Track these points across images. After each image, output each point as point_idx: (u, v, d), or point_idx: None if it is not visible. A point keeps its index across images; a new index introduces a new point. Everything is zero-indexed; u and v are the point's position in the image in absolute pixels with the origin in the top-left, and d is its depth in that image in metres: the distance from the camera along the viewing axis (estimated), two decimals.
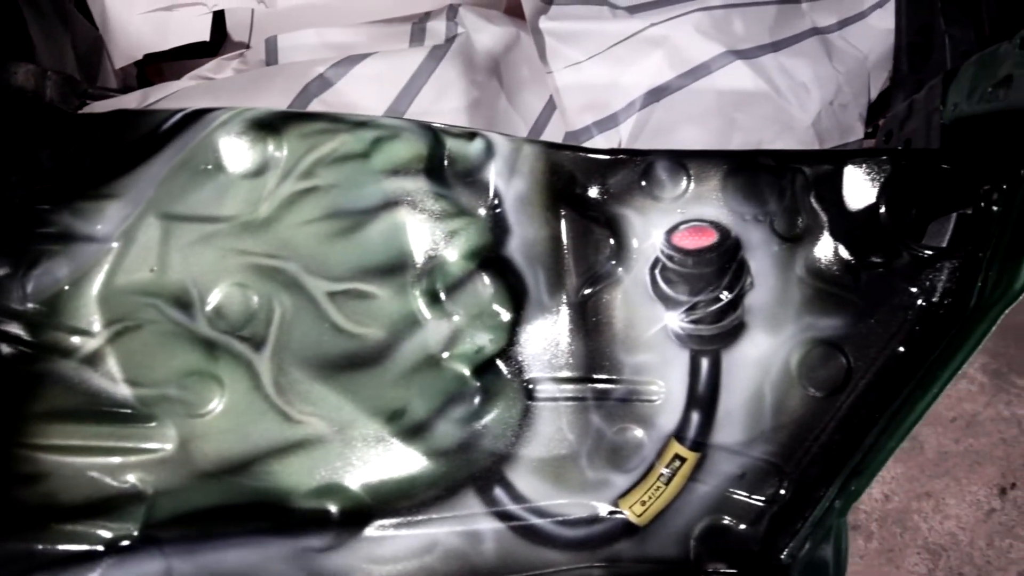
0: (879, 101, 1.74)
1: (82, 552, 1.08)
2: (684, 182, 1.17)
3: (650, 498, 1.14)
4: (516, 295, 1.16)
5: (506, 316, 1.16)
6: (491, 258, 1.15)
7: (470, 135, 1.15)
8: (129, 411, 1.11)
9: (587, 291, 1.18)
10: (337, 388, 1.13)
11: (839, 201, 1.15)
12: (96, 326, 1.10)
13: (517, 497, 1.15)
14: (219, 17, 1.74)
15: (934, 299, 1.13)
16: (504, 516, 1.14)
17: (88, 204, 1.11)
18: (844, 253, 1.15)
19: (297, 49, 1.59)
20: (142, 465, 1.11)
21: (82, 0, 1.71)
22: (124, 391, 1.10)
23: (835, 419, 1.14)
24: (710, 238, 1.15)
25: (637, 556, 1.15)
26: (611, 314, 1.18)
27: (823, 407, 1.14)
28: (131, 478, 1.10)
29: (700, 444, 1.15)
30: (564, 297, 1.17)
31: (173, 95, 1.47)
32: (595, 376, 1.17)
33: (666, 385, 1.16)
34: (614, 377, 1.17)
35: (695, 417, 1.15)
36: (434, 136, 1.14)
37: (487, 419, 1.15)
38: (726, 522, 1.16)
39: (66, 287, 1.10)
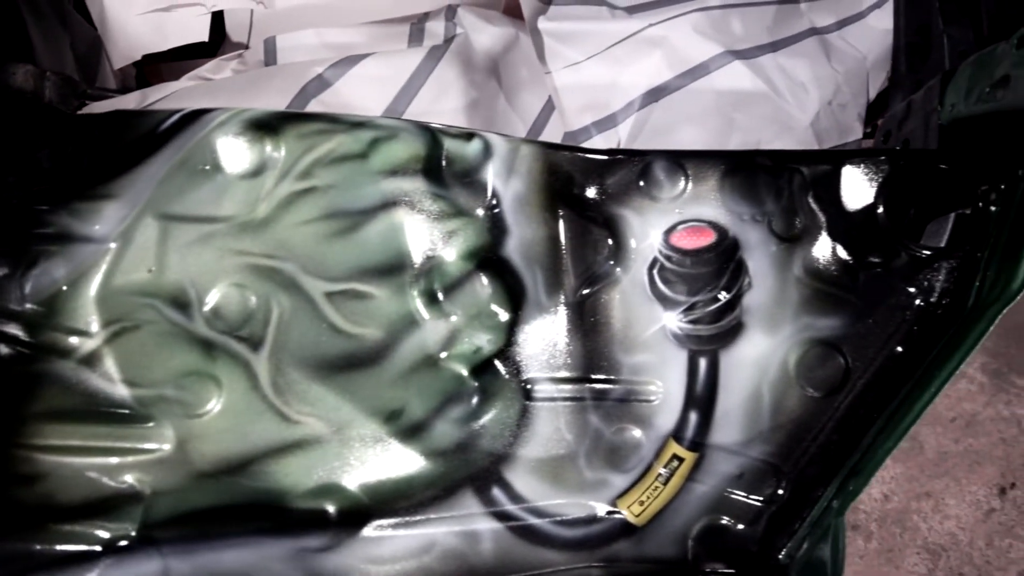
0: (878, 101, 1.74)
1: (80, 552, 1.09)
2: (682, 182, 1.17)
3: (648, 498, 1.14)
4: (514, 295, 1.16)
5: (504, 316, 1.16)
6: (489, 258, 1.15)
7: (468, 135, 1.15)
8: (127, 411, 1.11)
9: (585, 291, 1.18)
10: (335, 388, 1.13)
11: (837, 201, 1.15)
12: (94, 326, 1.10)
13: (515, 497, 1.15)
14: (218, 17, 1.74)
15: (932, 299, 1.13)
16: (502, 516, 1.15)
17: (86, 205, 1.11)
18: (842, 253, 1.15)
19: (296, 49, 1.59)
20: (140, 465, 1.11)
21: (81, 1, 1.72)
22: (122, 391, 1.11)
23: (833, 419, 1.14)
24: (708, 238, 1.15)
25: (635, 556, 1.15)
26: (609, 314, 1.18)
27: (821, 407, 1.14)
28: (129, 478, 1.10)
29: (698, 444, 1.15)
30: (562, 297, 1.17)
31: (172, 95, 1.48)
32: (593, 376, 1.17)
33: (664, 385, 1.16)
34: (612, 377, 1.17)
35: (693, 417, 1.15)
36: (432, 136, 1.14)
37: (485, 419, 1.15)
38: (724, 522, 1.16)
39: (64, 287, 1.10)
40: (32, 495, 1.09)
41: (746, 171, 1.16)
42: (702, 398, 1.15)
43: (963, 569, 2.51)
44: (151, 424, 1.11)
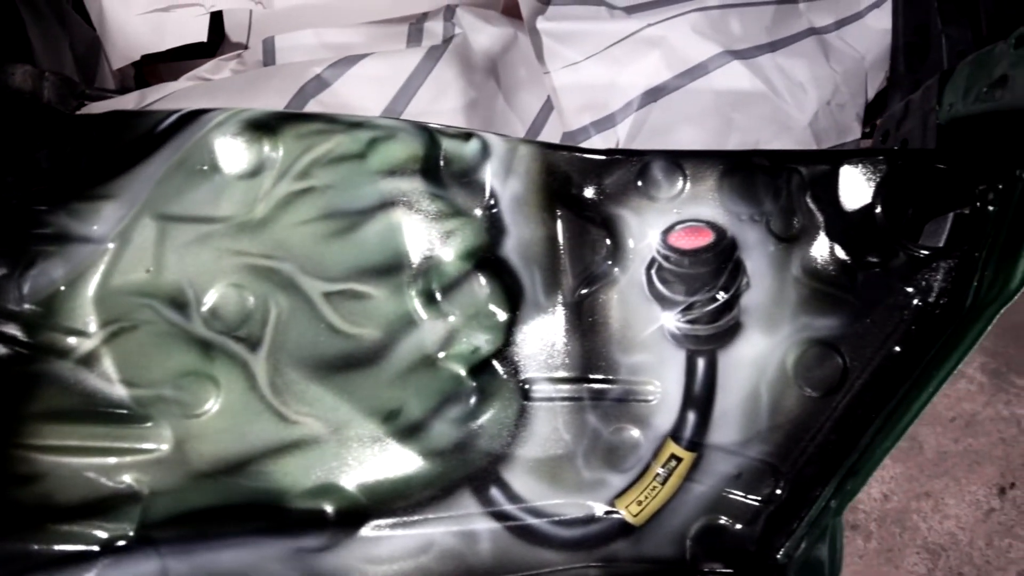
0: (876, 101, 1.74)
1: (78, 552, 1.09)
2: (680, 182, 1.17)
3: (646, 498, 1.14)
4: (512, 295, 1.16)
5: (502, 316, 1.16)
6: (487, 258, 1.15)
7: (466, 135, 1.15)
8: (125, 411, 1.11)
9: (583, 291, 1.18)
10: (333, 388, 1.13)
11: (835, 201, 1.15)
12: (92, 327, 1.10)
13: (513, 497, 1.15)
14: (217, 18, 1.74)
15: (930, 299, 1.13)
16: (500, 516, 1.15)
17: (84, 205, 1.11)
18: (840, 253, 1.15)
19: (295, 50, 1.59)
20: (138, 465, 1.11)
21: (80, 1, 1.72)
22: (120, 391, 1.11)
23: (831, 419, 1.14)
24: (706, 238, 1.15)
25: (633, 556, 1.16)
26: (607, 314, 1.18)
27: (819, 407, 1.14)
28: (127, 478, 1.11)
29: (696, 444, 1.15)
30: (560, 297, 1.17)
31: (170, 96, 1.48)
32: (591, 376, 1.17)
33: (662, 385, 1.16)
34: (610, 377, 1.17)
35: (691, 417, 1.15)
36: (430, 137, 1.14)
37: (483, 419, 1.15)
38: (722, 522, 1.16)
39: (62, 288, 1.10)
40: (30, 495, 1.09)
41: (744, 171, 1.16)
42: (700, 398, 1.15)
43: (963, 569, 2.51)
44: (149, 424, 1.11)
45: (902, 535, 2.55)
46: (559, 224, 1.17)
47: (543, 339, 1.17)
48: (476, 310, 1.15)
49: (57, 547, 1.09)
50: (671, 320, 1.16)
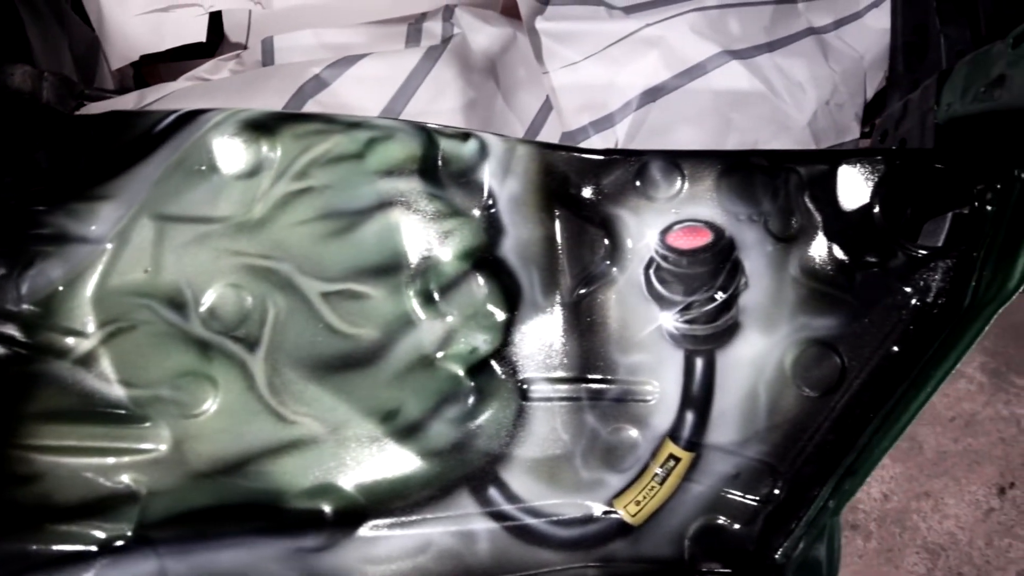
0: (875, 101, 1.74)
1: (76, 552, 1.09)
2: (678, 182, 1.17)
3: (644, 498, 1.14)
4: (510, 295, 1.16)
5: (500, 316, 1.16)
6: (485, 258, 1.15)
7: (464, 135, 1.15)
8: (123, 412, 1.11)
9: (582, 291, 1.18)
10: (331, 388, 1.13)
11: (833, 201, 1.15)
12: (90, 327, 1.10)
13: (511, 497, 1.15)
14: (216, 18, 1.74)
15: (928, 299, 1.13)
16: (498, 516, 1.15)
17: (82, 205, 1.11)
18: (838, 253, 1.15)
19: (293, 50, 1.59)
20: (136, 465, 1.11)
21: (78, 1, 1.72)
22: (118, 392, 1.11)
23: (829, 419, 1.14)
24: (704, 238, 1.15)
25: (632, 556, 1.15)
26: (606, 314, 1.18)
27: (817, 407, 1.14)
28: (125, 478, 1.11)
29: (694, 444, 1.15)
30: (558, 297, 1.17)
31: (169, 96, 1.48)
32: (590, 376, 1.17)
33: (660, 385, 1.16)
34: (609, 377, 1.17)
35: (689, 417, 1.15)
36: (428, 137, 1.14)
37: (481, 419, 1.15)
38: (721, 522, 1.16)
39: (60, 288, 1.10)
40: (28, 495, 1.09)
41: (743, 171, 1.16)
42: (698, 398, 1.15)
43: (962, 569, 2.50)
44: (147, 424, 1.11)
45: (902, 535, 2.55)
46: (557, 224, 1.17)
47: (541, 339, 1.17)
48: (474, 310, 1.15)
49: (55, 547, 1.09)
50: (669, 320, 1.16)
